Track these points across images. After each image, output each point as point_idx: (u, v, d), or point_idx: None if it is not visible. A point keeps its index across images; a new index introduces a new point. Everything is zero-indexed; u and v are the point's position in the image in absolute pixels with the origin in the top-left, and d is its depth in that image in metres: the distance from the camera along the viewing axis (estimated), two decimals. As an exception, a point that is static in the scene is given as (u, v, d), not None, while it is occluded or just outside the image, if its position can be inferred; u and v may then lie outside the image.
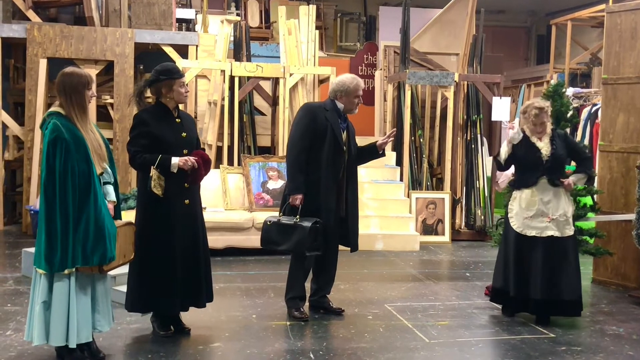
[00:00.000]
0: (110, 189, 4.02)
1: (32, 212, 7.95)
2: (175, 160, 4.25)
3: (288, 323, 4.87)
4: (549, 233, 4.96)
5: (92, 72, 8.38)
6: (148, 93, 4.45)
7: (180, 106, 4.61)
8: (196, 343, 4.38)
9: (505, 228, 5.21)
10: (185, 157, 4.28)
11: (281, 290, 5.25)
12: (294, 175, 4.85)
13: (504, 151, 5.10)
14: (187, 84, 4.48)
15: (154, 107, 4.41)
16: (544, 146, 5.03)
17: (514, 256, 5.03)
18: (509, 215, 5.11)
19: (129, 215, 4.58)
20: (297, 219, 4.76)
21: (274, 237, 4.83)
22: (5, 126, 8.60)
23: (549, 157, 5.00)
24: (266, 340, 4.49)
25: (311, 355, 4.21)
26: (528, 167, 5.04)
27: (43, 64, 8.32)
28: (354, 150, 5.09)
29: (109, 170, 4.01)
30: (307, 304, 5.11)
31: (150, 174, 4.24)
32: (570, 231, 5.02)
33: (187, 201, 4.38)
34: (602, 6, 8.48)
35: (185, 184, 4.35)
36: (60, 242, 3.70)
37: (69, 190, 3.70)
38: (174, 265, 4.32)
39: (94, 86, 3.98)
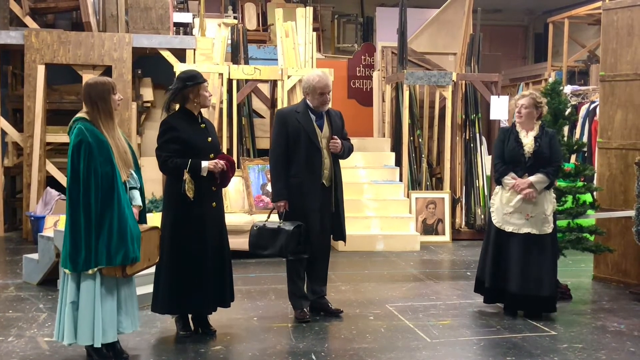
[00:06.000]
0: (136, 193, 4.11)
1: (32, 218, 7.94)
2: (205, 163, 4.34)
3: (289, 325, 4.87)
4: (526, 230, 5.00)
5: (91, 77, 8.37)
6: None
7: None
8: (198, 345, 4.38)
9: (488, 221, 5.28)
10: (215, 161, 4.38)
11: (282, 292, 5.25)
12: (275, 183, 4.94)
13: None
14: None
15: (180, 114, 4.48)
16: (528, 143, 5.05)
17: (493, 249, 5.12)
18: (491, 209, 5.19)
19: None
20: (280, 223, 4.81)
21: (260, 242, 4.87)
22: (4, 133, 8.61)
23: (531, 154, 5.03)
24: (268, 342, 4.49)
25: (313, 357, 4.21)
26: (511, 162, 5.07)
27: (41, 70, 8.32)
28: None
29: (135, 175, 4.09)
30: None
31: (184, 178, 4.30)
32: (548, 229, 5.04)
33: (214, 204, 4.46)
34: (599, 3, 8.49)
35: (213, 188, 4.43)
36: (84, 242, 3.81)
37: (92, 191, 3.80)
38: (206, 266, 4.41)
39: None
